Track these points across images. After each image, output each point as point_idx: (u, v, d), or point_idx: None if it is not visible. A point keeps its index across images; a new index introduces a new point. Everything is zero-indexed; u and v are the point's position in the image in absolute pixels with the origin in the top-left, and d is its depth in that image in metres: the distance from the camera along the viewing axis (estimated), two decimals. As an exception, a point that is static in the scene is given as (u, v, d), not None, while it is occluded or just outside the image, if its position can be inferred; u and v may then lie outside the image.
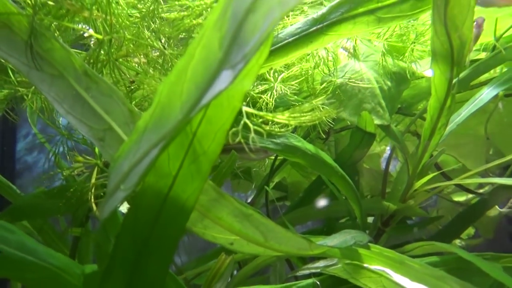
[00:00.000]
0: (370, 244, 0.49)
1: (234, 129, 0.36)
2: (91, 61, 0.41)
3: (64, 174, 0.54)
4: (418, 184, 0.63)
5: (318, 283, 0.50)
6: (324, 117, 0.46)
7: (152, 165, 0.29)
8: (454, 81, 0.47)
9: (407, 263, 0.43)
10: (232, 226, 0.39)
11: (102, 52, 0.43)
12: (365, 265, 0.47)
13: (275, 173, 0.83)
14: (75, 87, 0.38)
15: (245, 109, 0.39)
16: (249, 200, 1.01)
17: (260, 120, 0.42)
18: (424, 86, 0.76)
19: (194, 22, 0.43)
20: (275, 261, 0.65)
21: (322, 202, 0.76)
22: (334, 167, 0.59)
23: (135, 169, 0.30)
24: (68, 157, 0.53)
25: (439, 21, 0.41)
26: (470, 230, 1.12)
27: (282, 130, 0.43)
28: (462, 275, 0.48)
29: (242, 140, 0.39)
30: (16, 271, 0.33)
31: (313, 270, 0.55)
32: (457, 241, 1.13)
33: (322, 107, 0.58)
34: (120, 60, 0.47)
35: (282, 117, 0.38)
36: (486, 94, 0.60)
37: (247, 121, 0.38)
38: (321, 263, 0.55)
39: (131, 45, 0.45)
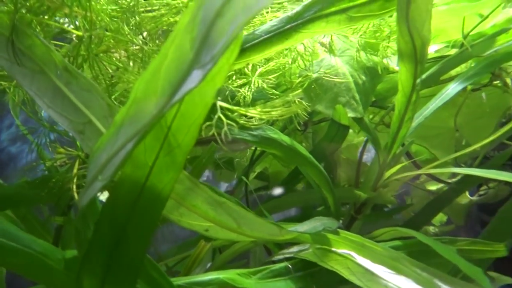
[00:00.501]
0: (339, 230, 0.53)
1: (208, 123, 0.39)
2: (71, 57, 0.42)
3: (47, 165, 0.55)
4: (389, 173, 0.66)
5: (290, 266, 0.53)
6: (295, 111, 0.48)
7: (128, 157, 0.32)
8: (418, 78, 0.50)
9: (369, 246, 0.46)
10: (207, 213, 0.42)
11: (82, 47, 0.44)
12: (333, 249, 0.50)
13: (254, 164, 0.85)
14: (56, 82, 0.40)
15: (219, 103, 0.42)
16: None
17: (235, 114, 0.45)
18: (397, 80, 0.79)
19: (171, 20, 0.45)
20: (253, 247, 0.68)
21: (299, 191, 0.79)
22: (308, 158, 0.62)
23: (112, 160, 0.32)
24: (50, 148, 0.55)
25: (403, 22, 0.44)
26: (443, 218, 1.17)
27: (256, 123, 0.45)
28: (422, 257, 0.52)
29: (220, 132, 0.42)
30: None
31: (287, 255, 0.58)
32: (431, 228, 1.18)
33: (298, 101, 0.61)
34: (101, 55, 0.49)
35: (254, 111, 0.41)
36: (452, 89, 0.64)
37: (221, 115, 0.40)
38: (295, 249, 0.58)
39: (111, 41, 0.47)
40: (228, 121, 0.39)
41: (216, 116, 0.39)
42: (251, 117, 0.45)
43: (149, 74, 0.32)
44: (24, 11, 0.40)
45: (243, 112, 0.41)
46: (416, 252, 0.53)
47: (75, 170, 0.54)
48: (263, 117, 0.41)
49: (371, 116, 0.94)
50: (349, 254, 0.48)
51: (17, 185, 0.54)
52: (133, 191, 0.36)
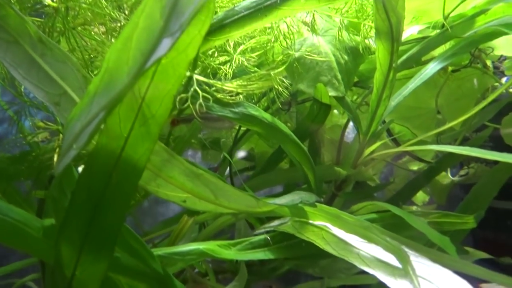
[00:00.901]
0: (316, 203, 0.54)
1: (182, 95, 0.39)
2: (47, 29, 0.42)
3: (27, 139, 0.56)
4: (368, 151, 0.67)
5: (268, 238, 0.55)
6: (271, 85, 0.49)
7: (100, 125, 0.32)
8: (395, 56, 0.51)
9: (343, 218, 0.48)
10: (184, 184, 0.42)
11: (59, 20, 0.44)
12: (309, 221, 0.52)
13: (239, 143, 0.86)
14: (31, 53, 0.40)
15: (196, 76, 0.42)
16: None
17: (213, 88, 0.45)
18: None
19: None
20: (235, 221, 0.70)
21: (282, 169, 0.80)
22: (289, 135, 0.63)
23: (85, 129, 0.33)
24: (30, 123, 0.55)
25: (377, 1, 0.45)
26: (425, 197, 1.20)
27: (233, 98, 0.46)
28: (396, 229, 0.53)
29: (203, 111, 0.42)
30: (-22, 224, 0.36)
31: (268, 229, 0.60)
32: (414, 208, 1.21)
33: (279, 78, 0.61)
34: (79, 28, 0.49)
35: (230, 85, 0.41)
36: (430, 69, 0.65)
37: (197, 89, 0.41)
38: (275, 223, 0.60)
39: (89, 14, 0.47)
40: (204, 94, 0.39)
41: (191, 89, 0.40)
42: (230, 92, 0.46)
43: (120, 43, 0.32)
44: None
45: (220, 86, 0.42)
46: (391, 225, 0.54)
47: (56, 144, 0.55)
48: (240, 90, 0.42)
49: (355, 97, 0.95)
50: (325, 225, 0.50)
51: (-3, 161, 0.55)
52: (109, 161, 0.37)
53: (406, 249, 0.40)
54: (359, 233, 0.44)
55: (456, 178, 1.11)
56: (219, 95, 0.45)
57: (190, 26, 0.33)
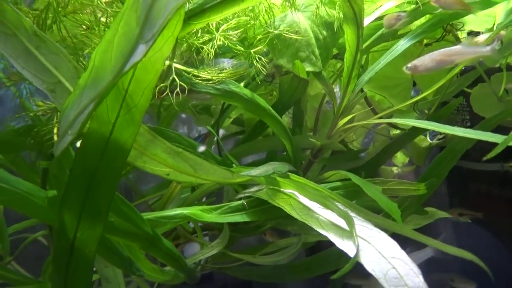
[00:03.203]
0: (289, 173, 0.61)
1: (162, 85, 0.45)
2: (40, 20, 0.47)
3: (30, 115, 0.62)
4: (342, 122, 0.73)
5: (245, 203, 0.62)
6: (241, 73, 0.54)
7: (90, 115, 0.38)
8: (360, 40, 0.56)
9: (309, 186, 0.55)
10: (166, 161, 0.49)
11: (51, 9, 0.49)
12: (281, 189, 0.59)
13: (226, 111, 0.92)
14: (27, 45, 0.45)
15: (174, 65, 0.47)
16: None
17: (190, 74, 0.51)
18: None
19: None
20: (219, 188, 0.77)
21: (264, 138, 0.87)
22: (267, 110, 0.69)
23: (78, 118, 0.39)
24: (31, 100, 0.61)
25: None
26: (405, 159, 1.28)
27: (206, 82, 0.51)
28: (357, 195, 0.61)
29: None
30: (-7, 195, 0.43)
31: (247, 194, 0.67)
32: (394, 168, 1.29)
33: (258, 57, 0.66)
34: (69, 16, 0.53)
35: (204, 73, 0.47)
36: (401, 45, 0.69)
37: (175, 77, 0.46)
38: (254, 189, 0.67)
39: (77, 4, 0.51)
40: (181, 83, 0.45)
41: (170, 78, 0.45)
42: (206, 79, 0.51)
43: (104, 45, 0.37)
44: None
45: (196, 73, 0.47)
46: (352, 192, 0.62)
47: (55, 120, 0.61)
48: (214, 78, 0.47)
49: (339, 65, 0.99)
50: (293, 193, 0.57)
51: (5, 133, 0.61)
52: (100, 144, 0.43)
53: (354, 215, 0.48)
54: (319, 201, 0.52)
55: (434, 141, 1.18)
56: (196, 80, 0.50)
57: (164, 30, 0.38)
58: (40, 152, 0.61)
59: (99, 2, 0.51)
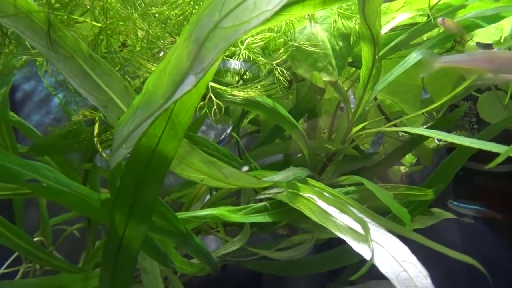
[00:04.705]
0: (307, 178, 0.67)
1: (201, 103, 0.51)
2: (95, 44, 0.53)
3: (73, 120, 0.68)
4: (355, 129, 0.79)
5: (268, 205, 0.69)
6: (270, 93, 0.60)
7: (144, 133, 0.44)
8: (376, 57, 0.61)
9: (326, 191, 0.61)
10: (201, 169, 0.55)
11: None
12: (300, 193, 0.65)
13: (245, 115, 0.98)
14: (83, 66, 0.51)
15: (211, 84, 0.53)
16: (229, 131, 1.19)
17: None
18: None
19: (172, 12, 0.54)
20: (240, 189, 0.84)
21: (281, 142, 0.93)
22: (287, 118, 0.74)
23: (132, 134, 0.45)
24: (75, 108, 0.67)
25: (361, 16, 0.54)
26: (413, 159, 1.33)
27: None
28: (370, 200, 0.67)
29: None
30: (56, 196, 0.50)
31: (268, 195, 0.74)
32: (402, 168, 1.34)
33: (280, 70, 0.72)
34: (115, 36, 0.59)
35: (237, 92, 0.53)
36: (413, 58, 0.74)
37: (212, 96, 0.52)
38: (274, 190, 0.74)
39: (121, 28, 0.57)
40: (217, 101, 0.51)
41: (207, 97, 0.51)
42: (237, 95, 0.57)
43: (157, 72, 0.44)
44: (55, 10, 0.50)
45: (230, 91, 0.53)
46: (366, 196, 0.68)
47: (96, 126, 0.68)
48: (245, 96, 0.53)
49: (352, 71, 1.04)
50: (312, 197, 0.63)
51: (52, 137, 0.68)
52: (147, 155, 0.49)
53: (368, 220, 0.54)
54: (336, 206, 0.58)
55: (441, 143, 1.23)
56: (228, 95, 0.56)
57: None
58: (84, 155, 0.68)
59: (142, 24, 0.57)
